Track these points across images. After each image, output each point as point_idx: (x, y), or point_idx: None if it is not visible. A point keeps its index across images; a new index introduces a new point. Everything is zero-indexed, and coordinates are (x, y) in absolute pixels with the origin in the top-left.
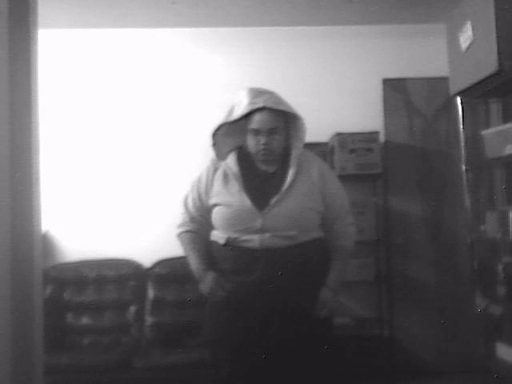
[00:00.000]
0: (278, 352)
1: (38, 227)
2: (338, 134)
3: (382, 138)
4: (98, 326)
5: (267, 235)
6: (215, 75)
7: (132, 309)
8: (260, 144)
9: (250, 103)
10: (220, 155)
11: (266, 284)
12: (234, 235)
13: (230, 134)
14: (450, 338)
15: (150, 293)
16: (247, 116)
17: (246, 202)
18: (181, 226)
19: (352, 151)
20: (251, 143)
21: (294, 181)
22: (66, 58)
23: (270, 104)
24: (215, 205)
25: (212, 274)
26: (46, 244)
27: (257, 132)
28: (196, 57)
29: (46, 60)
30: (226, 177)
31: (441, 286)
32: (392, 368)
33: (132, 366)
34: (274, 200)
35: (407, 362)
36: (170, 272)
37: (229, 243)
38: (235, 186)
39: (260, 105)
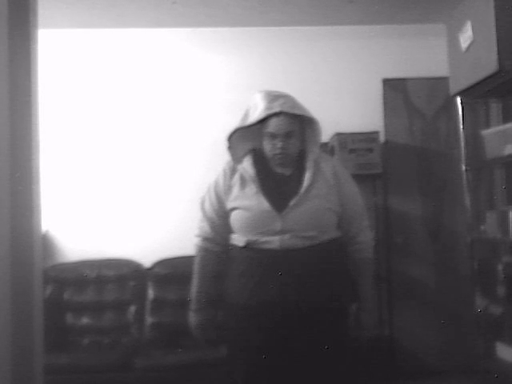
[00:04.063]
0: (298, 353)
1: (38, 227)
2: (338, 134)
3: (382, 137)
4: (98, 326)
5: (287, 236)
6: (215, 75)
7: (132, 309)
8: (277, 148)
9: (267, 108)
10: (236, 158)
11: (286, 284)
12: (253, 238)
13: (245, 138)
14: (450, 338)
15: (150, 293)
16: (263, 120)
17: (265, 204)
18: (199, 235)
19: (352, 151)
20: (267, 147)
21: (311, 183)
22: (66, 58)
23: (286, 108)
24: (234, 208)
25: (199, 319)
26: (46, 244)
27: (273, 136)
28: (196, 57)
29: (46, 60)
30: (243, 180)
31: (441, 286)
32: (392, 368)
33: (132, 366)
34: (292, 202)
35: (407, 362)
36: (169, 272)
37: (248, 246)
38: (253, 189)
39: (277, 109)
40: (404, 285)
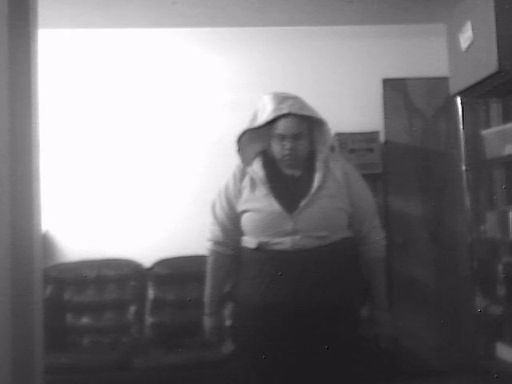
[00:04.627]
0: (310, 353)
1: (38, 227)
2: (338, 134)
3: (382, 138)
4: (97, 326)
5: (298, 237)
6: (215, 75)
7: (132, 309)
8: (285, 149)
9: (275, 109)
10: (245, 161)
11: (299, 284)
12: (265, 239)
13: (254, 139)
14: (450, 338)
15: (150, 293)
16: (272, 121)
17: (275, 205)
18: (211, 239)
19: (352, 151)
20: (276, 148)
21: (321, 183)
22: (66, 58)
23: (294, 109)
24: (244, 211)
25: (213, 323)
26: (46, 244)
27: (282, 137)
28: (196, 57)
29: (46, 60)
30: (253, 183)
31: (441, 286)
32: (392, 368)
33: (132, 366)
34: (303, 202)
35: (407, 362)
36: (170, 272)
37: (260, 247)
38: (263, 191)
39: (285, 111)
40: (404, 285)
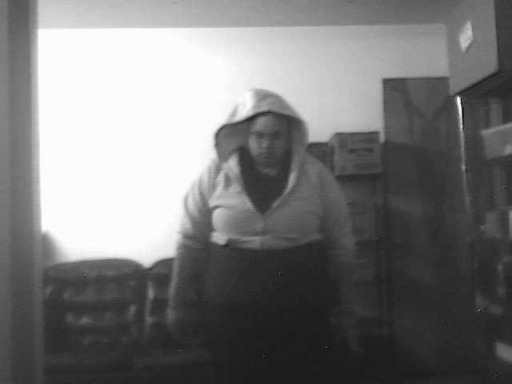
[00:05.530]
0: (277, 353)
1: (38, 227)
2: (338, 134)
3: (382, 138)
4: (98, 326)
5: (268, 237)
6: (215, 75)
7: (132, 309)
8: (262, 147)
9: (255, 106)
10: (222, 156)
11: (266, 284)
12: (234, 237)
13: (232, 135)
14: (450, 338)
15: (150, 293)
16: (251, 118)
17: (248, 204)
18: (180, 232)
19: (352, 151)
20: (253, 145)
21: (295, 185)
22: (66, 58)
23: (274, 108)
24: (216, 207)
25: (176, 315)
26: (46, 244)
27: (260, 135)
28: (196, 57)
29: (46, 60)
30: (227, 179)
31: (441, 286)
32: (392, 368)
33: (132, 366)
34: (275, 203)
35: (407, 362)
36: (170, 272)
37: (229, 244)
38: (236, 188)
39: (265, 108)
40: (404, 285)
